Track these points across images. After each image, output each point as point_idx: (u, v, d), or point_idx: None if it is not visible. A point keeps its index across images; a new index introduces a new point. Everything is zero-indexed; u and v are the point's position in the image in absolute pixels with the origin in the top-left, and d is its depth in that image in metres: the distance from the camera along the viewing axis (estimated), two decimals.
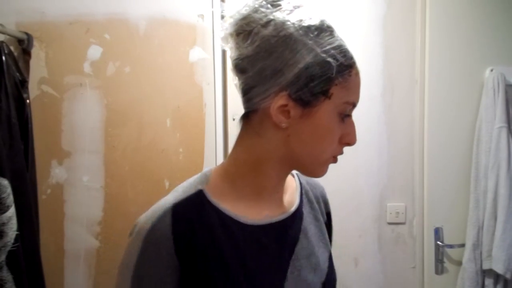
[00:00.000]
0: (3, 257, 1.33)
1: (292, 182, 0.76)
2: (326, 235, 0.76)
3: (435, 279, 1.77)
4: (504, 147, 1.66)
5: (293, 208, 0.71)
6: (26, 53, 1.66)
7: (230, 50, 0.65)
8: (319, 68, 0.60)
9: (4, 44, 1.52)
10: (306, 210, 0.73)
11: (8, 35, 1.58)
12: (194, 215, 0.62)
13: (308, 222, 0.72)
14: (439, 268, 1.75)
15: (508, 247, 1.63)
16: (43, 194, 1.69)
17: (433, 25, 1.74)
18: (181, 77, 1.72)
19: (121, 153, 1.71)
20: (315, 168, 0.67)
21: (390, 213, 1.78)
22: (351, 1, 1.76)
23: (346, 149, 0.70)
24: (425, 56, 1.75)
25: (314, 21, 0.63)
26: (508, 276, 1.64)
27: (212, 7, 1.72)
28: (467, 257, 1.71)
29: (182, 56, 1.72)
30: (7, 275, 1.34)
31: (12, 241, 1.35)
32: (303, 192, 0.75)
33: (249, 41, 0.61)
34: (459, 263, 1.75)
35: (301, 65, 0.59)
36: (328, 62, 0.60)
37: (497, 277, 1.69)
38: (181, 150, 1.73)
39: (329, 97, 0.61)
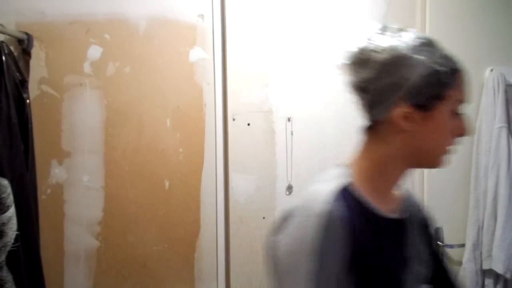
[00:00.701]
0: (3, 257, 1.33)
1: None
2: (427, 236, 0.87)
3: None
4: (504, 147, 1.66)
5: (404, 208, 0.83)
6: (26, 53, 1.66)
7: (348, 76, 0.80)
8: (432, 77, 0.71)
9: (4, 44, 1.52)
10: (411, 212, 0.85)
11: (8, 35, 1.58)
12: (348, 202, 0.72)
13: (413, 221, 0.84)
14: None
15: (508, 247, 1.63)
16: (43, 194, 1.69)
17: (433, 25, 1.75)
18: (181, 77, 1.72)
19: (121, 153, 1.71)
20: (436, 161, 0.77)
21: None
22: (351, 1, 1.76)
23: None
24: None
25: (420, 39, 0.73)
26: (508, 276, 1.64)
27: (212, 7, 1.72)
28: (467, 257, 1.71)
29: (182, 56, 1.72)
30: (7, 275, 1.34)
31: (12, 241, 1.35)
32: (406, 197, 0.87)
33: (367, 67, 0.74)
34: (459, 263, 1.75)
35: (416, 77, 0.71)
36: (438, 71, 0.71)
37: (497, 277, 1.69)
38: (181, 150, 1.73)
39: (443, 99, 0.72)
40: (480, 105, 1.74)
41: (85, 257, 1.71)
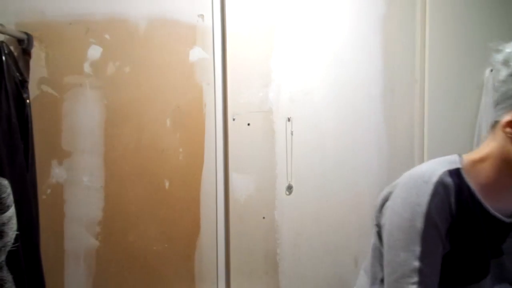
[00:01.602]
0: (3, 257, 1.33)
1: None
2: None
3: None
4: None
5: None
6: (26, 53, 1.66)
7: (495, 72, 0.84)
8: None
9: (4, 44, 1.52)
10: None
11: (8, 35, 1.58)
12: (457, 183, 0.80)
13: None
14: None
15: None
16: (43, 194, 1.69)
17: (433, 25, 1.75)
18: (181, 77, 1.72)
19: (121, 153, 1.72)
20: None
21: None
22: (351, 1, 1.76)
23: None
24: (425, 56, 1.76)
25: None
26: None
27: (212, 7, 1.72)
28: None
29: (182, 56, 1.72)
30: (7, 275, 1.34)
31: (12, 241, 1.35)
32: None
33: (504, 69, 0.79)
34: None
35: None
36: None
37: None
38: (181, 150, 1.73)
39: None
40: (480, 105, 1.73)
41: (85, 256, 1.71)
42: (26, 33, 1.65)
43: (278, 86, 1.75)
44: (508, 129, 0.78)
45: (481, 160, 0.83)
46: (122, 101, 1.71)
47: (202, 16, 1.72)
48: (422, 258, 0.77)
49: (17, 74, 1.57)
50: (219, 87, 1.73)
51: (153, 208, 1.72)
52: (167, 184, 1.72)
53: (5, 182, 1.35)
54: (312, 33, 1.75)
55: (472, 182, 0.82)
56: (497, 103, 0.80)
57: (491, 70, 1.73)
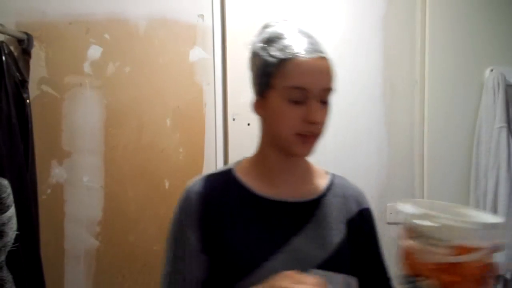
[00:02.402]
0: (3, 257, 1.33)
1: (323, 179, 0.90)
2: (343, 224, 0.85)
3: None
4: (504, 147, 1.66)
5: (312, 197, 0.84)
6: (26, 53, 1.66)
7: None
8: (262, 67, 0.78)
9: (4, 44, 1.52)
10: (329, 202, 0.86)
11: (8, 35, 1.58)
12: (219, 183, 0.83)
13: (328, 211, 0.84)
14: None
15: (508, 247, 1.63)
16: (43, 194, 1.69)
17: (433, 25, 1.75)
18: (181, 77, 1.72)
19: (121, 153, 1.71)
20: (287, 146, 0.79)
21: (390, 213, 1.78)
22: (351, 1, 1.76)
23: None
24: (425, 56, 1.76)
25: (268, 35, 0.80)
26: (508, 276, 1.64)
27: (212, 7, 1.72)
28: None
29: (182, 56, 1.72)
30: (7, 275, 1.34)
31: (12, 241, 1.35)
32: (331, 188, 0.88)
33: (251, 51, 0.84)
34: None
35: (256, 70, 0.81)
36: (266, 61, 0.77)
37: (497, 277, 1.69)
38: (181, 150, 1.73)
39: (273, 87, 0.77)
40: (480, 105, 1.73)
41: (85, 256, 1.71)
42: (26, 33, 1.65)
43: None
44: (256, 110, 0.82)
45: (255, 151, 0.87)
46: (122, 101, 1.71)
47: (202, 16, 1.72)
48: (172, 261, 0.81)
49: (17, 74, 1.57)
50: (219, 87, 1.73)
51: (153, 208, 1.72)
52: (167, 184, 1.72)
53: (5, 182, 1.35)
54: (312, 33, 1.75)
55: (242, 176, 0.84)
56: (251, 86, 0.84)
57: (491, 70, 1.73)
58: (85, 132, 1.70)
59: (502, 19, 1.75)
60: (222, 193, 0.82)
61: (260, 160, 0.86)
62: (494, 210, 1.66)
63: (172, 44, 1.72)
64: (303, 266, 0.74)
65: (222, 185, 0.84)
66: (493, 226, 0.64)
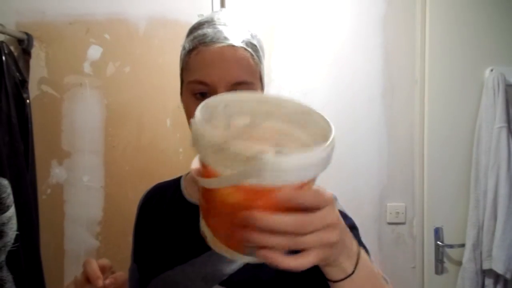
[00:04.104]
0: (3, 257, 1.33)
1: None
2: None
3: (435, 279, 1.77)
4: (504, 147, 1.66)
5: None
6: (26, 53, 1.66)
7: None
8: (180, 61, 0.72)
9: (4, 44, 1.52)
10: None
11: (8, 35, 1.58)
12: (161, 192, 0.83)
13: None
14: (439, 268, 1.75)
15: (508, 247, 1.63)
16: (43, 194, 1.69)
17: (433, 25, 1.74)
18: None
19: (121, 153, 1.71)
20: None
21: (390, 213, 1.78)
22: (351, 1, 1.76)
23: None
24: (425, 56, 1.75)
25: (192, 26, 0.73)
26: (508, 276, 1.64)
27: (212, 7, 1.72)
28: (467, 257, 1.71)
29: None
30: (7, 275, 1.34)
31: (12, 241, 1.35)
32: None
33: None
34: (459, 263, 1.75)
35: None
36: (180, 54, 0.71)
37: (497, 277, 1.69)
38: (181, 150, 1.73)
39: (183, 82, 0.71)
40: (480, 105, 1.73)
41: (85, 257, 1.71)
42: (26, 33, 1.65)
43: (278, 86, 1.75)
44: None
45: None
46: (122, 101, 1.71)
47: (202, 16, 1.72)
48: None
49: (17, 74, 1.57)
50: None
51: None
52: None
53: (5, 182, 1.35)
54: (312, 33, 1.75)
55: (187, 182, 0.81)
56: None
57: (491, 70, 1.73)
58: (85, 132, 1.70)
59: (502, 19, 1.75)
60: (159, 201, 0.81)
61: None
62: (494, 210, 1.66)
63: (172, 44, 1.71)
64: (207, 281, 0.67)
65: (163, 193, 0.82)
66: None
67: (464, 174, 1.76)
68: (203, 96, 0.66)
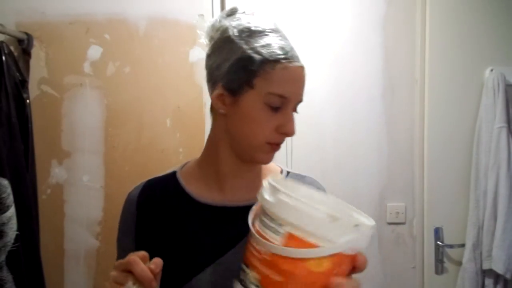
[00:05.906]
0: (3, 257, 1.33)
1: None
2: None
3: (435, 279, 1.77)
4: (504, 147, 1.66)
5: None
6: (26, 53, 1.66)
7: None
8: (244, 62, 0.69)
9: (4, 44, 1.52)
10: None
11: (8, 35, 1.58)
12: (158, 188, 0.83)
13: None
14: (439, 268, 1.75)
15: (508, 247, 1.63)
16: (43, 194, 1.69)
17: (433, 25, 1.74)
18: (181, 77, 1.72)
19: (121, 153, 1.71)
20: (252, 152, 0.73)
21: (390, 213, 1.78)
22: (351, 1, 1.76)
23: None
24: (425, 56, 1.75)
25: (248, 25, 0.72)
26: (508, 276, 1.64)
27: (212, 7, 1.72)
28: (467, 257, 1.71)
29: (182, 56, 1.72)
30: (7, 275, 1.34)
31: (12, 241, 1.35)
32: None
33: (209, 44, 0.76)
34: (459, 263, 1.75)
35: (231, 60, 0.70)
36: (251, 57, 0.69)
37: (497, 277, 1.69)
38: (181, 150, 1.73)
39: (252, 87, 0.70)
40: (480, 105, 1.73)
41: (85, 257, 1.71)
42: (26, 33, 1.65)
43: None
44: (219, 104, 0.73)
45: (204, 150, 0.84)
46: (122, 101, 1.71)
47: (202, 16, 1.72)
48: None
49: (17, 74, 1.57)
50: None
51: None
52: None
53: (5, 182, 1.35)
54: (312, 33, 1.75)
55: (185, 180, 0.82)
56: (207, 81, 0.76)
57: (491, 70, 1.73)
58: (85, 132, 1.70)
59: (502, 19, 1.75)
60: (161, 198, 0.81)
61: (208, 162, 0.81)
62: (494, 210, 1.66)
63: (172, 44, 1.72)
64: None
65: (162, 189, 0.82)
66: (346, 222, 0.47)
67: (464, 174, 1.76)
68: (273, 109, 0.70)
